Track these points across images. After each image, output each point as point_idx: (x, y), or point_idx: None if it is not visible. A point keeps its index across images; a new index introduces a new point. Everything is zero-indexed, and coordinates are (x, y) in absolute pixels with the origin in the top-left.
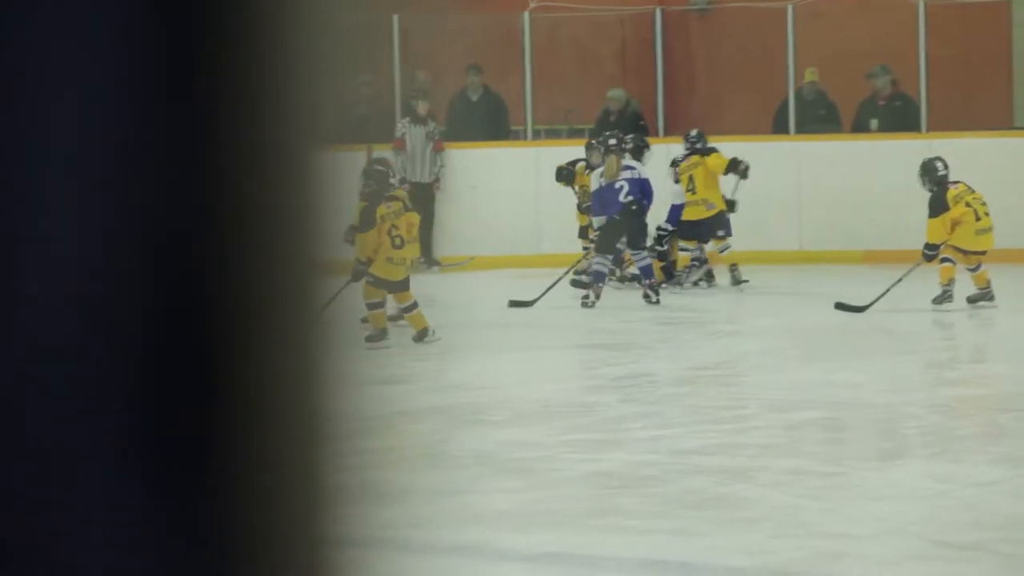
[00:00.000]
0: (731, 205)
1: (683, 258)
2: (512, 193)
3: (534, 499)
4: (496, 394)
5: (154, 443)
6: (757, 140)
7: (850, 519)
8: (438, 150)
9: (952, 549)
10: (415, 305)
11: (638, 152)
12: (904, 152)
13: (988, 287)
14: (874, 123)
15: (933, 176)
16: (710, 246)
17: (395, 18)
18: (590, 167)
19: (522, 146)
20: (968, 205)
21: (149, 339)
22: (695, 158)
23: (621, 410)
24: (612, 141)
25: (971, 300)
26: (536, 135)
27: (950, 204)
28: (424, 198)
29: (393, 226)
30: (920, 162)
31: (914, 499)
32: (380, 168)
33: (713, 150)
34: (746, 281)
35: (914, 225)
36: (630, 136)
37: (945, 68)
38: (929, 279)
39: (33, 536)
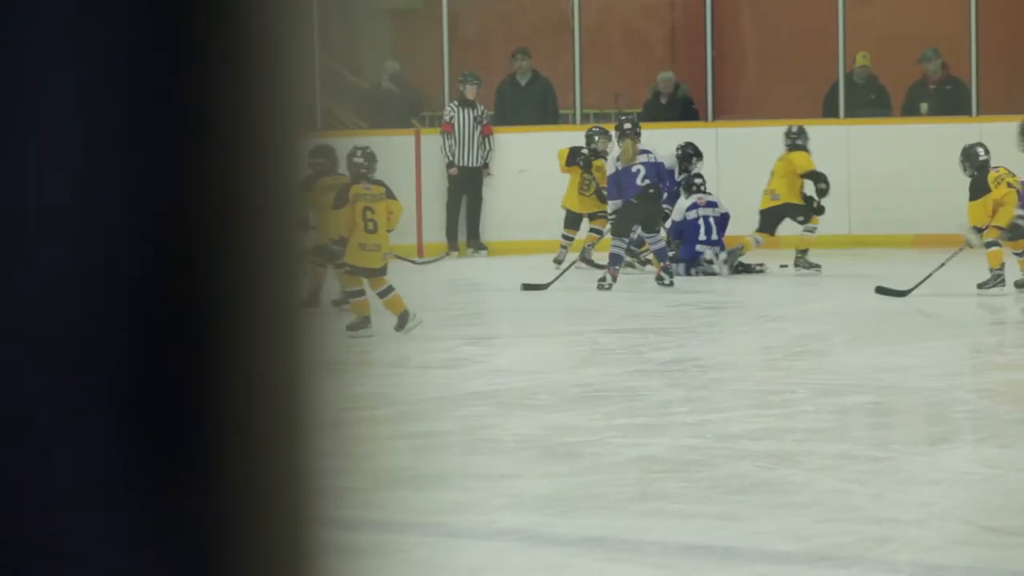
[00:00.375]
0: (815, 206)
1: (748, 242)
2: (561, 178)
3: (579, 483)
4: (542, 379)
5: (139, 437)
6: (807, 123)
7: (897, 504)
8: (486, 134)
9: (1000, 534)
10: (391, 289)
11: (687, 160)
12: (954, 136)
13: None
14: (924, 107)
15: (974, 161)
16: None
17: (444, 2)
18: (596, 154)
19: (571, 130)
20: (1010, 186)
21: (130, 331)
22: (784, 153)
23: (667, 394)
24: (628, 125)
25: (1019, 285)
26: (585, 119)
27: (991, 186)
28: (473, 182)
29: (368, 208)
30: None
31: (962, 484)
32: (328, 145)
33: (803, 148)
34: (817, 266)
35: (964, 208)
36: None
37: (996, 51)
38: (977, 263)
39: (21, 534)
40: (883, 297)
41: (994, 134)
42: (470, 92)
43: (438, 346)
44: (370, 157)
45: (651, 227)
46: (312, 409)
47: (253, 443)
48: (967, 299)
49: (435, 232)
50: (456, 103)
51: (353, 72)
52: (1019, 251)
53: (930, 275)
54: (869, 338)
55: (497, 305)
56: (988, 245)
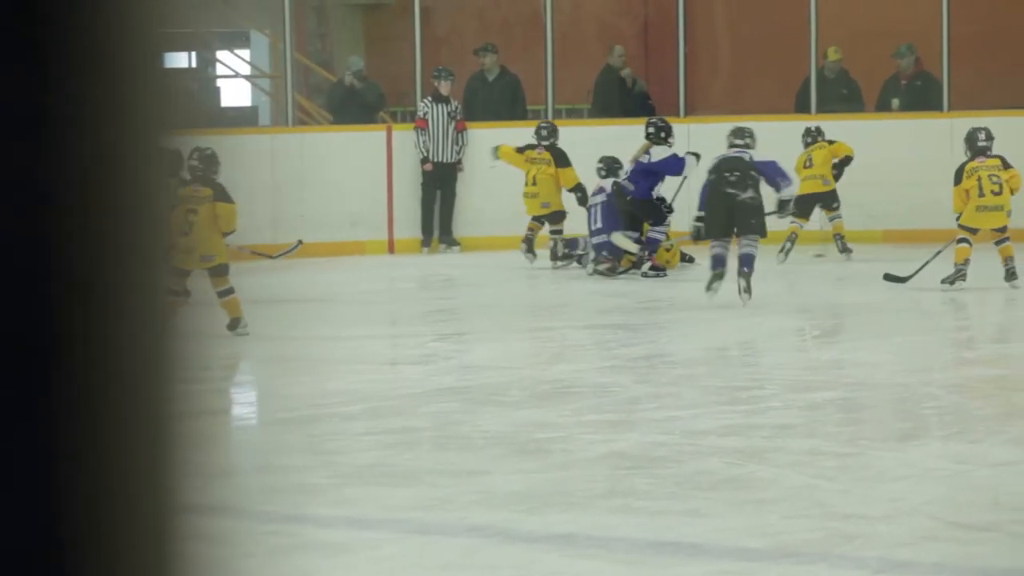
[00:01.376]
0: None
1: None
2: None
3: (549, 480)
4: (512, 375)
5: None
6: (779, 119)
7: (865, 500)
8: (460, 129)
9: (967, 530)
10: (230, 291)
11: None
12: (926, 131)
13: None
14: (896, 102)
15: (973, 146)
16: (820, 219)
17: None
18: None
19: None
20: (979, 180)
21: None
22: (821, 141)
23: (636, 391)
24: (651, 129)
25: (944, 281)
26: (557, 114)
27: (964, 176)
28: (447, 178)
29: (191, 211)
30: (948, 138)
31: (930, 480)
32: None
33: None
34: (851, 251)
35: (935, 204)
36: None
37: (968, 46)
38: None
39: None
40: (856, 291)
41: (965, 130)
42: (444, 87)
43: (409, 342)
44: (207, 159)
45: (657, 221)
46: (171, 400)
47: (115, 436)
48: (940, 293)
49: (407, 228)
50: (430, 99)
51: (323, 66)
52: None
53: (927, 262)
54: (839, 333)
55: (468, 301)
56: (959, 241)
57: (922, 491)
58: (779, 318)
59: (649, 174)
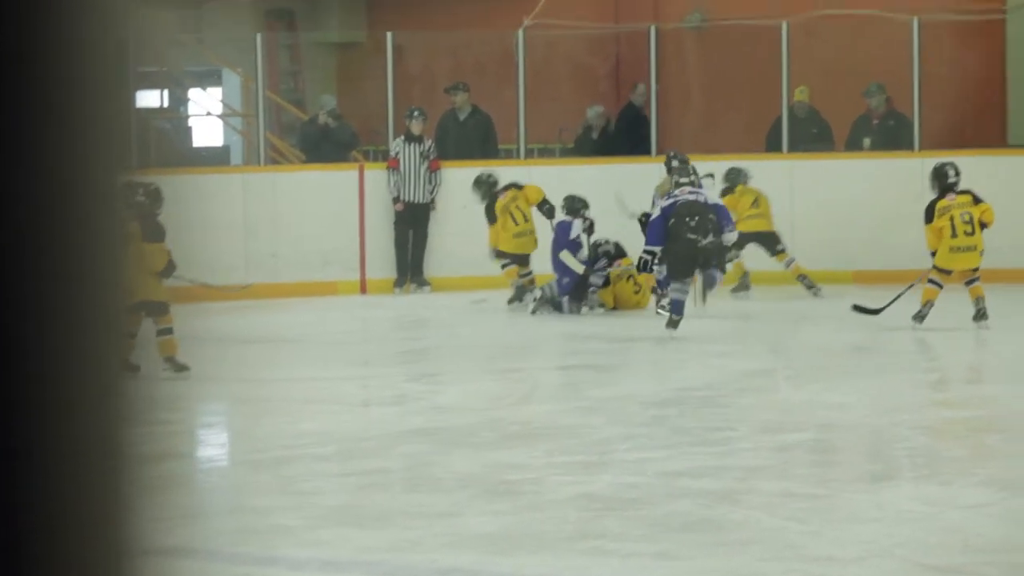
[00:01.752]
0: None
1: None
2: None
3: (520, 522)
4: (483, 416)
5: None
6: (751, 158)
7: (837, 542)
8: (434, 169)
9: (938, 572)
10: (169, 331)
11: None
12: (897, 171)
13: (979, 304)
14: (867, 141)
15: (942, 182)
16: (777, 263)
17: (389, 35)
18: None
19: (515, 164)
20: (951, 220)
21: None
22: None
23: (607, 432)
24: (675, 163)
25: (915, 317)
26: (529, 153)
27: (936, 215)
28: (420, 217)
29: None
30: (914, 176)
31: (901, 521)
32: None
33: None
34: (819, 288)
35: (906, 245)
36: None
37: (939, 86)
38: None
39: None
40: (827, 333)
41: None
42: (416, 127)
43: (381, 383)
44: (152, 195)
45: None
46: (135, 444)
47: (76, 480)
48: (911, 333)
49: (379, 268)
50: (403, 138)
51: (295, 105)
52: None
53: (899, 296)
54: (810, 375)
55: (440, 342)
56: (928, 281)
57: (893, 533)
58: (749, 359)
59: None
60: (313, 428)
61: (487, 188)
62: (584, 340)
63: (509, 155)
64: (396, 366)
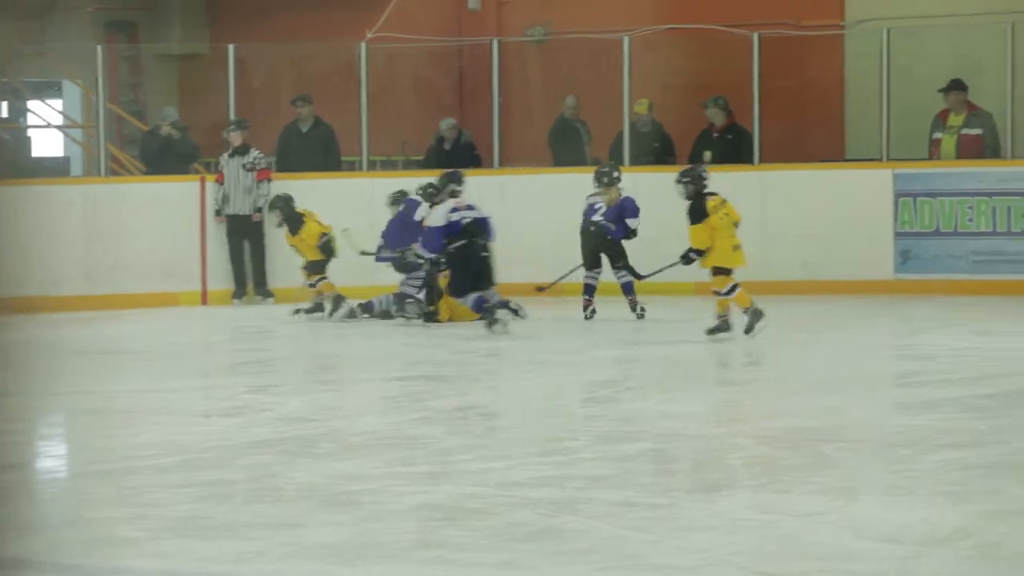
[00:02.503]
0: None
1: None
2: (348, 225)
3: (361, 532)
4: (324, 427)
5: None
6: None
7: (675, 550)
8: (260, 179)
9: None
10: None
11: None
12: (737, 184)
13: (750, 307)
14: (708, 155)
15: (699, 184)
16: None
17: (231, 47)
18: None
19: (356, 177)
20: (726, 215)
21: None
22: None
23: (448, 442)
24: (616, 174)
25: (747, 331)
26: (372, 166)
27: (710, 211)
28: (250, 229)
29: None
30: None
31: (739, 530)
32: None
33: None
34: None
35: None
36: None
37: (779, 100)
38: (769, 312)
39: None
40: (669, 343)
41: (775, 182)
42: (235, 139)
43: (223, 394)
44: None
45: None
46: None
47: None
48: (750, 344)
49: (220, 279)
50: (228, 152)
51: (136, 117)
52: (724, 290)
53: (662, 269)
54: (652, 385)
55: (281, 353)
56: (717, 293)
57: (731, 541)
58: (591, 370)
59: (620, 218)
60: (155, 439)
61: (286, 207)
62: (426, 351)
63: (352, 167)
64: (237, 377)
